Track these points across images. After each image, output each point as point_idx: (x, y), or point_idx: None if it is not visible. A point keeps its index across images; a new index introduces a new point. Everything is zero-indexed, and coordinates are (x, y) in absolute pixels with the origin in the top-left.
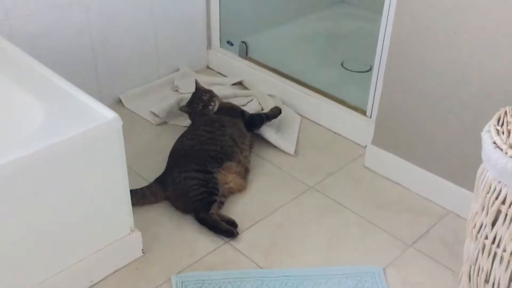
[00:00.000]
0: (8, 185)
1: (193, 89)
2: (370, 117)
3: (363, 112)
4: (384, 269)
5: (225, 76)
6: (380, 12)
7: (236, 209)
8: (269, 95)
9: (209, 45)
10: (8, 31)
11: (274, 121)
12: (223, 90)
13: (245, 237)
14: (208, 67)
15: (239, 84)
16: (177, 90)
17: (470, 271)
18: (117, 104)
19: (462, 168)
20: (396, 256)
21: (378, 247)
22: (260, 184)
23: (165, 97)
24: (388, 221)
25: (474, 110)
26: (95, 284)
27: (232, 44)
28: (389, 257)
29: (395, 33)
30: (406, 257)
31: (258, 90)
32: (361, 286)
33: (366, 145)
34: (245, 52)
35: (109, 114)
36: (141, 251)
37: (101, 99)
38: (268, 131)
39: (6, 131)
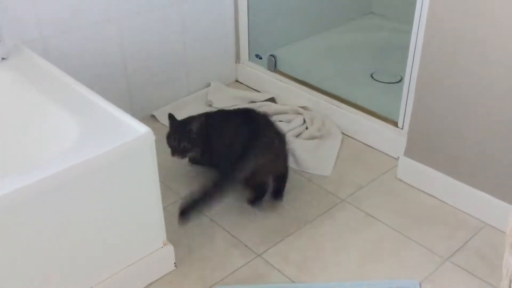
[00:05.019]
0: (44, 200)
1: (227, 103)
2: (402, 128)
3: (395, 123)
4: (420, 284)
5: (257, 91)
6: (408, 22)
7: (267, 222)
8: (301, 107)
9: (237, 59)
10: (43, 49)
11: (315, 137)
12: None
13: (277, 250)
14: (237, 81)
15: (271, 100)
16: (210, 105)
17: (510, 286)
18: (148, 120)
19: (500, 179)
20: (432, 271)
21: (413, 261)
22: (291, 197)
23: (199, 112)
24: (423, 235)
25: None
26: None
27: (260, 58)
28: (425, 271)
29: (426, 42)
30: (442, 272)
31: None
32: None
33: (398, 157)
34: (273, 65)
35: (142, 129)
36: (174, 264)
37: (132, 115)
38: (304, 153)
39: (42, 146)
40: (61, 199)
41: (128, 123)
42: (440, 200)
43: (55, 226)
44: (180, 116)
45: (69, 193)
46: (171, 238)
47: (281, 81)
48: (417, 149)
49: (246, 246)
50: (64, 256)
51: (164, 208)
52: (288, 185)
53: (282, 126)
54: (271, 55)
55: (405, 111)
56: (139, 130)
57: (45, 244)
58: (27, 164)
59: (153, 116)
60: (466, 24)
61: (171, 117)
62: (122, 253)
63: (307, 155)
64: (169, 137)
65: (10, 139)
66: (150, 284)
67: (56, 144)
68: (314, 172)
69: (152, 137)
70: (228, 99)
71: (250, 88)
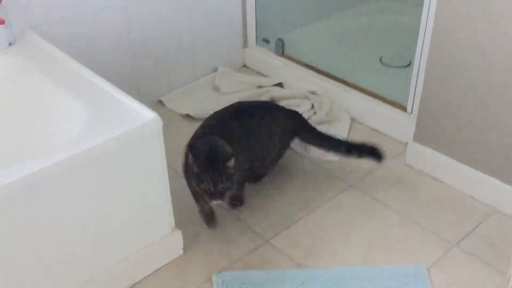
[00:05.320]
0: (52, 186)
1: (234, 88)
2: (411, 113)
3: (403, 108)
4: (428, 269)
5: (265, 76)
6: (417, 5)
7: (275, 208)
8: (310, 92)
9: (245, 43)
10: (50, 34)
11: (323, 122)
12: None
13: (285, 236)
14: (244, 66)
15: (279, 85)
16: (217, 90)
17: None
18: (155, 105)
19: (509, 164)
20: (440, 256)
21: (421, 247)
22: (299, 183)
23: (207, 97)
24: (431, 220)
25: None
26: (136, 283)
27: (268, 42)
28: (432, 257)
29: (437, 25)
30: (450, 257)
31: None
32: (405, 287)
33: (407, 142)
34: (281, 50)
35: (149, 114)
36: (182, 250)
37: (140, 100)
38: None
39: (50, 133)
40: (69, 185)
41: (136, 109)
42: (449, 185)
43: (63, 212)
44: (188, 101)
45: (77, 179)
46: (179, 223)
47: (289, 65)
48: (426, 134)
49: (254, 231)
50: (72, 241)
51: (172, 193)
52: (296, 170)
53: None
54: (279, 39)
55: (414, 96)
56: (146, 116)
57: (53, 229)
58: (35, 151)
59: (160, 102)
60: (478, 5)
61: (193, 149)
62: (130, 238)
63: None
64: (198, 178)
65: (18, 125)
66: (159, 269)
67: (64, 130)
68: (323, 157)
69: (160, 123)
70: (235, 84)
71: (258, 72)
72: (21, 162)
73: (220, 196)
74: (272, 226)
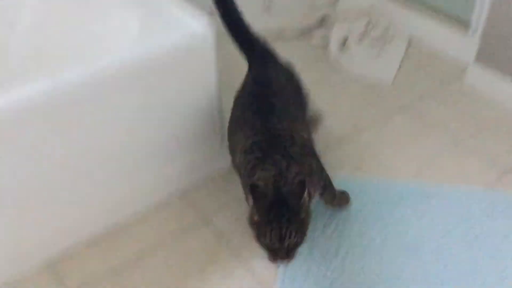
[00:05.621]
0: (105, 94)
1: (287, 6)
2: (474, 32)
3: (466, 27)
4: (483, 192)
5: None
6: None
7: (324, 127)
8: (367, 8)
9: None
10: None
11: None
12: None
13: (334, 155)
14: None
15: (334, 2)
16: (269, 10)
17: None
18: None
19: None
20: (494, 179)
21: (475, 169)
22: (349, 104)
23: (258, 15)
24: (487, 143)
25: None
26: (185, 192)
27: None
28: (486, 180)
29: None
30: (505, 182)
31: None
32: (458, 206)
33: (468, 62)
34: None
35: (202, 24)
36: (229, 163)
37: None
38: (365, 59)
39: (103, 42)
40: (123, 93)
41: (190, 18)
42: (510, 109)
43: (119, 121)
44: None
45: (131, 88)
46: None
47: None
48: (491, 54)
49: None
50: (127, 150)
51: (224, 109)
52: (347, 92)
53: (343, 32)
54: None
55: (480, 13)
56: (200, 24)
57: (110, 137)
58: (88, 59)
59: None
60: None
61: (255, 190)
62: (180, 151)
63: (369, 60)
64: (259, 229)
65: (71, 35)
66: (206, 180)
67: (117, 39)
68: (376, 78)
69: (213, 32)
70: (288, 2)
71: None
72: (75, 69)
73: (288, 254)
74: (321, 142)
